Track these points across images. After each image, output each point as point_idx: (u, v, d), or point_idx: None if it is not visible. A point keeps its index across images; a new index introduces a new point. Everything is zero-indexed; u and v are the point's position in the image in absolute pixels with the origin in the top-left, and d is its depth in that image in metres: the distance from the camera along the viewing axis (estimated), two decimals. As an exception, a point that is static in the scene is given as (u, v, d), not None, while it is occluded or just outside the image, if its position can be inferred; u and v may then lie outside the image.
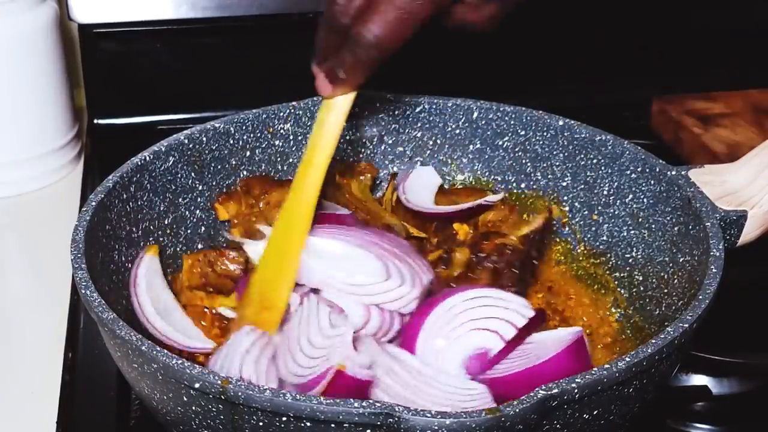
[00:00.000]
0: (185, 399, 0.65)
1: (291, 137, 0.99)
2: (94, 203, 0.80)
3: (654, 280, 0.85)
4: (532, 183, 0.98)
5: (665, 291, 0.83)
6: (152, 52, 1.27)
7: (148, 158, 0.88)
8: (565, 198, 0.96)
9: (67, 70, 1.21)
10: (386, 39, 0.74)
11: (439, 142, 1.01)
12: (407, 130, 1.02)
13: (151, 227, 0.88)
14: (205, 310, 0.86)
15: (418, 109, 1.01)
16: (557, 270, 0.95)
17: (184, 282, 0.86)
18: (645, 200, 0.89)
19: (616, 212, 0.92)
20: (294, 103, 0.98)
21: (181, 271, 0.87)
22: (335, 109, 0.79)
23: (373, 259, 0.79)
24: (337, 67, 0.76)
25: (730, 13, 1.43)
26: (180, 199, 0.91)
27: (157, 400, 0.68)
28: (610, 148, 0.92)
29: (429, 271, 0.82)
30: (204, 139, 0.93)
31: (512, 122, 0.98)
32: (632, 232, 0.90)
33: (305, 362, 0.71)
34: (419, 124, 1.01)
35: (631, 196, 0.90)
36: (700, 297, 0.70)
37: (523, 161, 0.98)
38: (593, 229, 0.93)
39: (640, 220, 0.89)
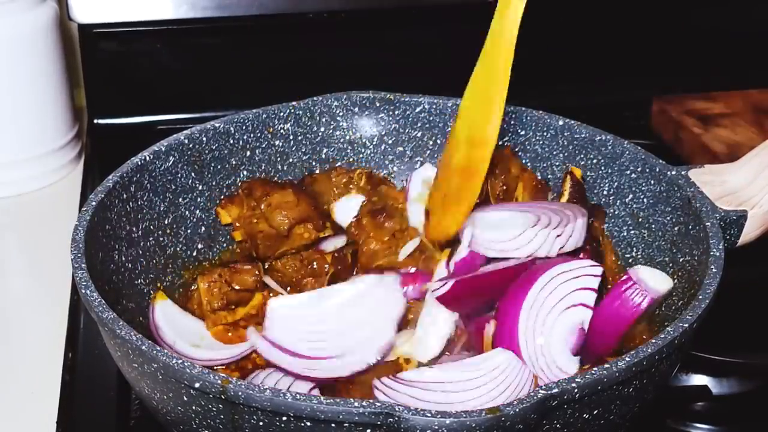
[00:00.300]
0: (185, 399, 0.65)
1: (291, 137, 0.99)
2: (94, 203, 0.80)
3: (654, 280, 0.85)
4: (532, 183, 0.98)
5: (665, 291, 0.83)
6: (152, 52, 1.27)
7: (148, 158, 0.88)
8: (565, 198, 0.96)
9: (67, 70, 1.21)
10: None
11: (439, 142, 1.01)
12: (407, 130, 1.02)
13: (151, 227, 0.87)
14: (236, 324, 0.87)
15: (418, 109, 1.01)
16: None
17: (206, 307, 0.86)
18: (645, 200, 0.89)
19: (616, 212, 0.92)
20: (294, 103, 0.98)
21: (196, 293, 0.87)
22: None
23: (526, 213, 0.84)
24: None
25: (730, 13, 1.43)
26: (180, 199, 0.91)
27: (157, 400, 0.68)
28: (610, 148, 0.92)
29: (582, 212, 0.84)
30: (204, 139, 0.93)
31: (512, 122, 0.98)
32: (632, 232, 0.90)
33: None
34: (419, 124, 1.01)
35: (631, 196, 0.90)
36: (700, 297, 0.70)
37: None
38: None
39: (640, 220, 0.89)
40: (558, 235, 0.81)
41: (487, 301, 0.79)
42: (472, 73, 0.85)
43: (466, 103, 0.85)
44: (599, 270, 0.77)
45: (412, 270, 0.87)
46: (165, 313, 0.83)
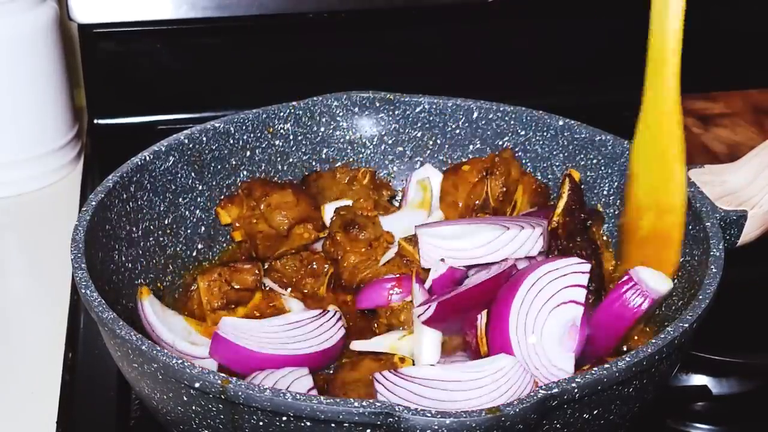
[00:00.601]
0: (185, 399, 0.65)
1: (291, 137, 0.99)
2: (94, 203, 0.80)
3: (654, 280, 0.85)
4: (532, 183, 0.98)
5: (665, 291, 0.83)
6: (152, 52, 1.27)
7: (148, 158, 0.88)
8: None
9: (67, 70, 1.21)
10: None
11: (439, 142, 1.01)
12: (407, 130, 1.02)
13: (151, 227, 0.88)
14: None
15: (418, 109, 1.01)
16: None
17: (206, 306, 0.86)
18: (645, 200, 0.89)
19: (617, 212, 0.92)
20: (294, 103, 0.98)
21: (196, 293, 0.87)
22: None
23: (490, 226, 0.83)
24: None
25: (730, 13, 1.43)
26: (180, 199, 0.91)
27: (157, 400, 0.68)
28: (610, 148, 0.92)
29: (542, 221, 0.84)
30: (204, 139, 0.93)
31: (512, 122, 0.98)
32: (632, 232, 0.90)
33: None
34: (419, 124, 1.01)
35: (631, 196, 0.90)
36: (700, 297, 0.70)
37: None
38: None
39: (640, 220, 0.89)
40: (541, 234, 0.82)
41: (474, 315, 0.79)
42: (635, 131, 0.82)
43: (637, 167, 0.84)
44: (587, 267, 0.77)
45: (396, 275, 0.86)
46: (155, 310, 0.82)
